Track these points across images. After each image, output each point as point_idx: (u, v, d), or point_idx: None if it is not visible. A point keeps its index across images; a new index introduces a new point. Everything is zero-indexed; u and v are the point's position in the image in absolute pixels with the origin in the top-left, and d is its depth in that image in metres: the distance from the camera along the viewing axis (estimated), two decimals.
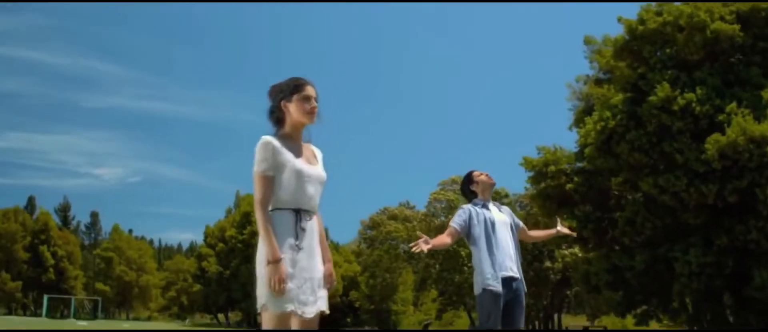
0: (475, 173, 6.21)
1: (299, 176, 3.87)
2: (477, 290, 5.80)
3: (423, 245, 5.37)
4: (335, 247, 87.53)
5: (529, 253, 49.57)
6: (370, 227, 63.28)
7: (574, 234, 6.61)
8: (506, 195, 56.29)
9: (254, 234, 71.58)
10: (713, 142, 15.74)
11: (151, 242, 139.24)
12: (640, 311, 19.01)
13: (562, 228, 6.40)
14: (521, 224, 6.29)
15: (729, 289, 17.33)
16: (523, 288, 5.89)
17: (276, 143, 3.87)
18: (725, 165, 15.78)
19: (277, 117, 4.04)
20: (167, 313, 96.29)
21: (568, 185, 19.72)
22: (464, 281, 52.69)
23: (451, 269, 53.72)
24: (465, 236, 5.93)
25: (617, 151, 17.57)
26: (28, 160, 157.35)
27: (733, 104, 16.28)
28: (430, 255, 56.47)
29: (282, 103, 4.00)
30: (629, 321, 20.21)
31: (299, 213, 3.90)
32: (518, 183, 72.68)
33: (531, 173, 20.88)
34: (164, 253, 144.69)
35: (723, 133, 15.91)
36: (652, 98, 16.99)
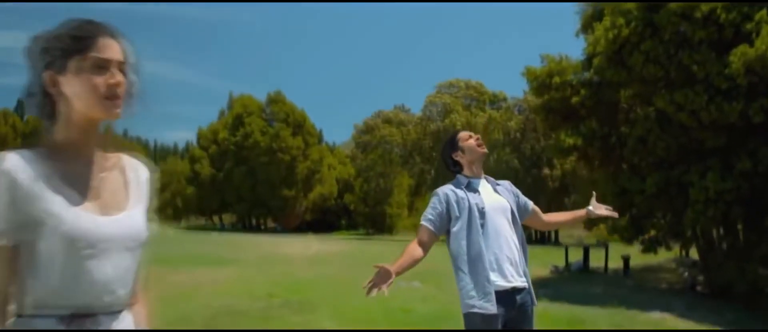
0: (461, 136, 4.26)
1: (74, 242, 1.76)
2: (462, 309, 3.90)
3: (384, 287, 3.60)
4: (330, 149, 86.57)
5: (526, 159, 48.55)
6: (364, 131, 62.07)
7: (615, 215, 4.59)
8: (504, 99, 54.76)
9: (248, 136, 70.77)
10: (739, 55, 14.05)
11: (145, 142, 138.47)
12: (648, 237, 17.68)
13: (596, 209, 4.37)
14: (531, 205, 4.39)
15: (746, 217, 15.89)
16: (533, 301, 3.97)
17: (25, 171, 1.76)
18: (751, 81, 14.12)
19: (44, 107, 1.89)
20: (162, 215, 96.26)
21: (574, 98, 18.07)
22: None
23: (448, 176, 52.70)
24: (444, 234, 4.06)
25: (630, 63, 15.86)
26: (17, 59, 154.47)
27: (763, 12, 14.50)
28: (426, 161, 55.43)
29: (49, 76, 1.85)
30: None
31: (74, 322, 1.78)
32: (517, 86, 69.92)
33: (533, 84, 19.19)
34: (159, 154, 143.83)
35: (751, 44, 14.18)
36: (671, 3, 15.21)
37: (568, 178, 44.53)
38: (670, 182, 15.71)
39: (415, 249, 3.92)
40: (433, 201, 4.04)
